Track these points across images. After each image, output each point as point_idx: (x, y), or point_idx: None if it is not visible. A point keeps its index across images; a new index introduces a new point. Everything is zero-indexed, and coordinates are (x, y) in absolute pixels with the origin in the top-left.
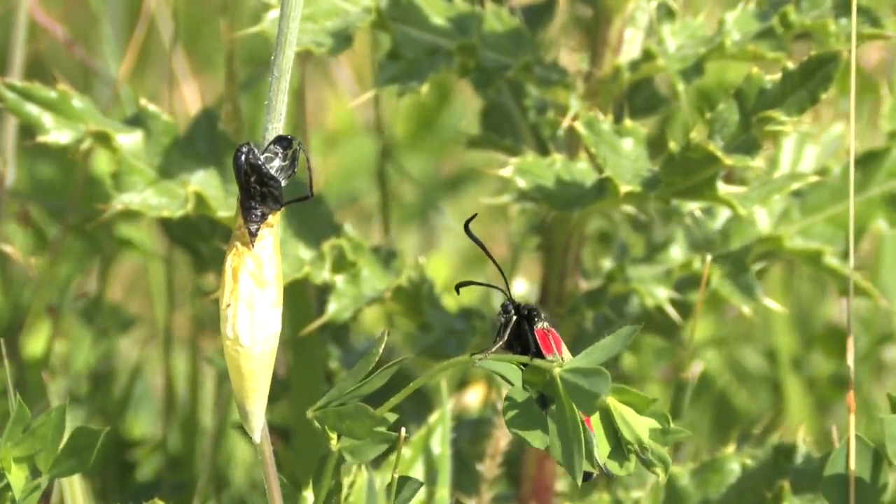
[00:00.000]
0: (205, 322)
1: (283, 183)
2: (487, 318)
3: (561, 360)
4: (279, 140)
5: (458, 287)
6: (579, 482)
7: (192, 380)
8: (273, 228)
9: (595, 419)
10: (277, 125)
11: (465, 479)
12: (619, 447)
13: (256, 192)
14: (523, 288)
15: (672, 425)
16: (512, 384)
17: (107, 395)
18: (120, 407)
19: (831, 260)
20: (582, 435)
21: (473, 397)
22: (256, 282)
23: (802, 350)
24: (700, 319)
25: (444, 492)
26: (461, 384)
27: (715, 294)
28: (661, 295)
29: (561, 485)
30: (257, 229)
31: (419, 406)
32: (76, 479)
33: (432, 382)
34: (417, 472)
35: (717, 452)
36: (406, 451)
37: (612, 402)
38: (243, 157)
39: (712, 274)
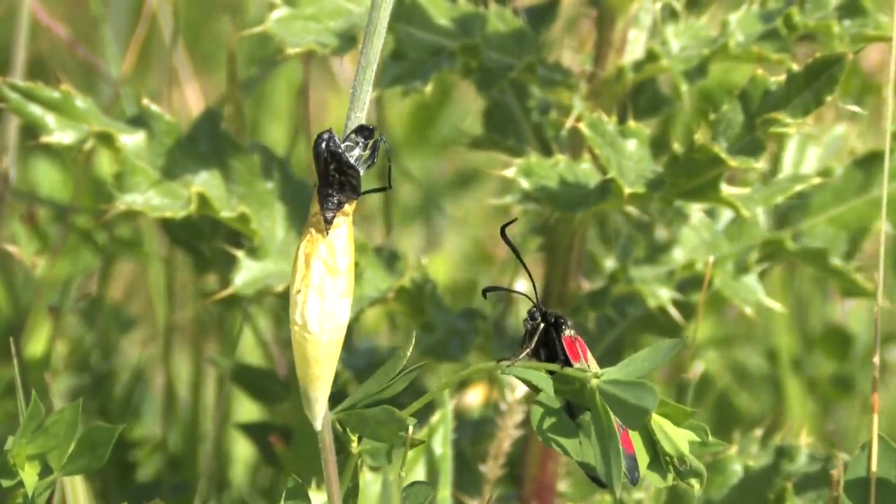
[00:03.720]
0: (206, 323)
1: (363, 173)
2: (490, 319)
3: (587, 368)
4: (360, 129)
5: (485, 292)
6: (618, 493)
7: (193, 380)
8: (349, 217)
9: (633, 432)
10: (360, 114)
11: (466, 479)
12: (658, 459)
13: (335, 179)
14: (524, 288)
15: (711, 438)
16: (541, 391)
17: (107, 395)
18: (121, 407)
19: (834, 261)
20: (619, 444)
21: (474, 398)
22: (328, 269)
23: (803, 350)
24: (701, 320)
25: (445, 492)
26: (462, 384)
27: (717, 295)
28: (664, 295)
29: (563, 485)
30: (333, 217)
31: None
32: (79, 478)
33: (433, 383)
34: (419, 473)
35: (718, 453)
36: (408, 452)
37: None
38: (324, 145)
39: (714, 275)
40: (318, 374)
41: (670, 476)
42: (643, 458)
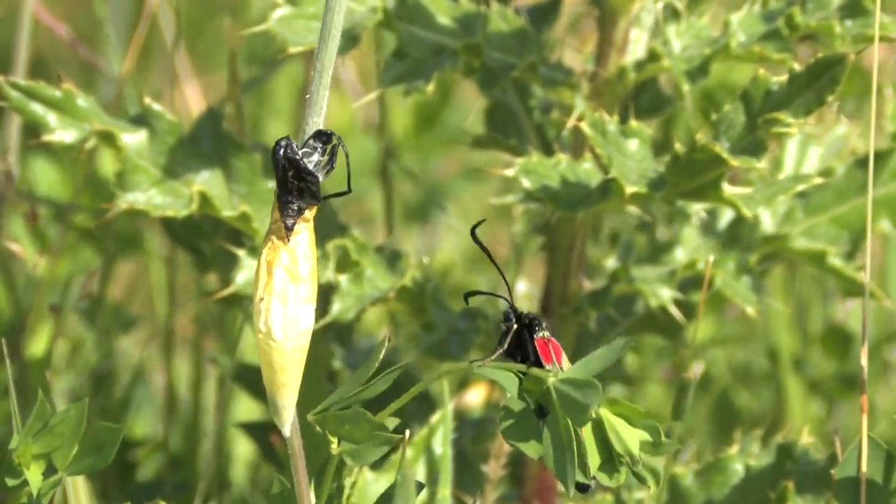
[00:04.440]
0: (206, 322)
1: (322, 178)
2: (491, 318)
3: (559, 370)
4: (319, 135)
5: (466, 296)
6: (571, 493)
7: (194, 380)
8: (309, 223)
9: (587, 430)
10: (318, 119)
11: (466, 479)
12: (611, 459)
13: (294, 186)
14: (525, 288)
15: (665, 439)
16: (509, 393)
17: (108, 395)
18: (121, 407)
19: (835, 260)
20: (575, 446)
21: (475, 397)
22: (290, 276)
23: (804, 350)
24: (702, 319)
25: (445, 492)
26: (462, 384)
27: (718, 294)
28: (665, 295)
29: None
30: (293, 224)
31: (421, 406)
32: (80, 478)
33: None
34: (419, 473)
35: (720, 453)
36: (408, 452)
37: (604, 413)
38: (281, 152)
39: (716, 274)
40: (283, 381)
41: (619, 476)
42: (594, 459)
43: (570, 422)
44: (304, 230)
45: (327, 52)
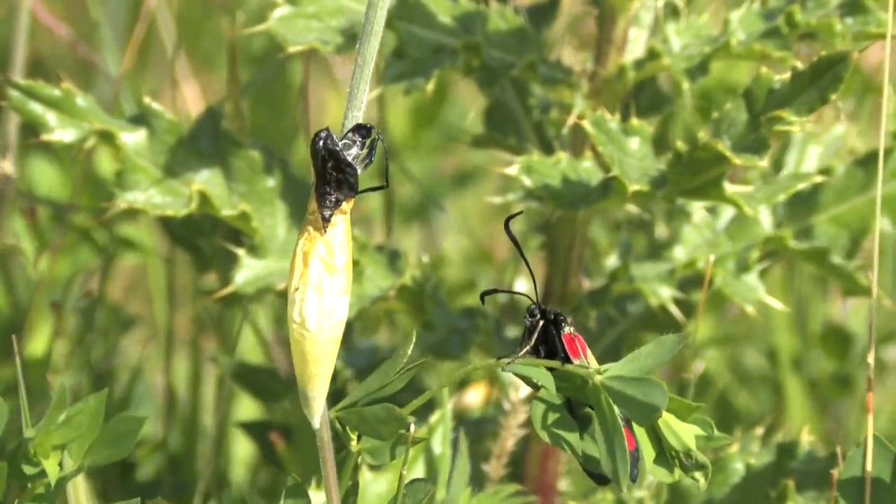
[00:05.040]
0: (206, 322)
1: (360, 171)
2: (490, 317)
3: (587, 364)
4: (358, 128)
5: (482, 296)
6: (625, 489)
7: (194, 379)
8: (346, 215)
9: (639, 427)
10: (357, 113)
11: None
12: (663, 454)
13: (332, 178)
14: (524, 287)
15: (716, 432)
16: (543, 389)
17: (108, 394)
18: (120, 407)
19: (835, 259)
20: (625, 441)
21: (474, 397)
22: (326, 267)
23: (803, 350)
24: (702, 319)
25: (444, 492)
26: (462, 384)
27: (718, 293)
28: (665, 294)
29: (563, 484)
30: (331, 215)
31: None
32: (80, 477)
33: (434, 382)
34: (418, 472)
35: (720, 452)
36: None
37: None
38: (321, 143)
39: (715, 273)
40: (315, 372)
41: (677, 471)
42: (649, 454)
43: (618, 419)
44: (341, 222)
45: (369, 47)
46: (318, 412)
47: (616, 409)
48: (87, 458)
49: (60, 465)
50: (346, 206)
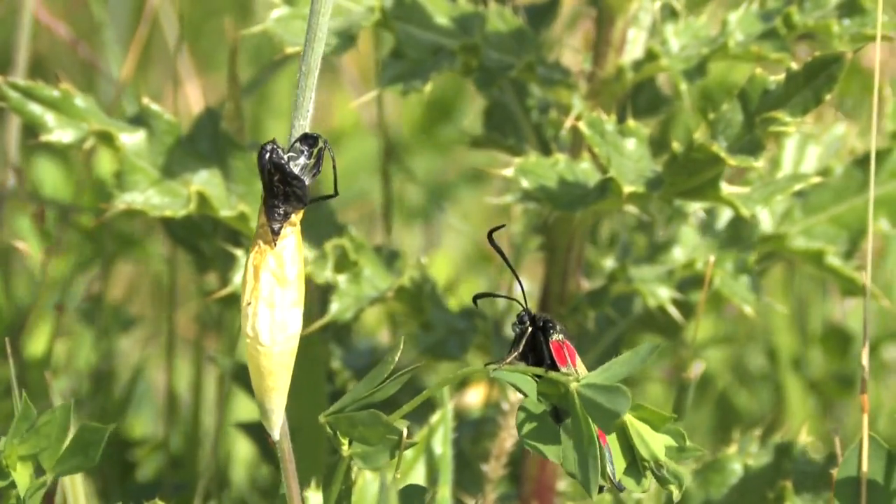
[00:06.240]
0: (206, 322)
1: (308, 182)
2: (489, 318)
3: (576, 372)
4: (305, 138)
5: (475, 299)
6: (594, 497)
7: (194, 379)
8: (296, 227)
9: (611, 435)
10: (304, 122)
11: (466, 478)
12: (635, 463)
13: (280, 190)
14: (524, 288)
15: (688, 443)
16: (526, 395)
17: (108, 394)
18: (121, 407)
19: (833, 260)
20: (597, 450)
21: (474, 397)
22: (278, 280)
23: (803, 350)
24: (701, 319)
25: (445, 492)
26: (462, 384)
27: (717, 294)
28: (664, 295)
29: (562, 484)
30: (280, 228)
31: (420, 406)
32: (79, 478)
33: (433, 382)
34: (419, 473)
35: (718, 452)
36: (408, 452)
37: (628, 418)
38: (267, 156)
39: (714, 274)
40: (272, 386)
41: (646, 481)
42: (620, 463)
43: (591, 426)
44: (291, 234)
45: (313, 55)
46: (277, 424)
47: (586, 415)
48: (58, 468)
49: (34, 474)
50: (295, 218)
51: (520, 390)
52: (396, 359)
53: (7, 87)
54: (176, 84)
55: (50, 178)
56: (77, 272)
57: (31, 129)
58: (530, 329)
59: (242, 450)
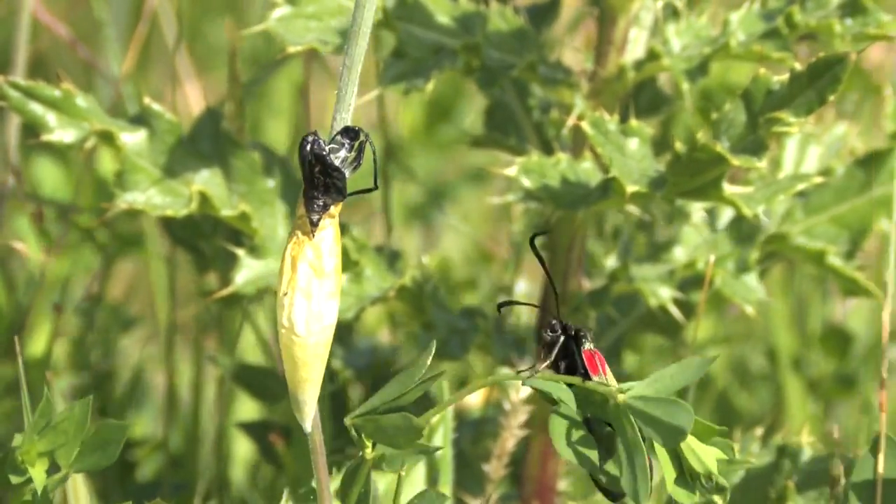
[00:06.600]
0: (206, 322)
1: (348, 175)
2: (490, 318)
3: (606, 381)
4: (346, 131)
5: (499, 307)
6: None
7: (194, 379)
8: (335, 219)
9: (660, 447)
10: (346, 116)
11: (466, 478)
12: (683, 475)
13: (320, 182)
14: (524, 288)
15: (737, 455)
16: (563, 404)
17: (108, 394)
18: (121, 406)
19: (834, 260)
20: (646, 461)
21: (474, 397)
22: (315, 271)
23: (803, 350)
24: (702, 319)
25: (445, 492)
26: (461, 384)
27: (718, 294)
28: (665, 294)
29: (563, 484)
30: (319, 219)
31: (420, 406)
32: (80, 478)
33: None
34: (419, 473)
35: None
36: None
37: None
38: (308, 147)
39: (715, 274)
40: (306, 377)
41: (697, 494)
42: (670, 474)
43: (639, 439)
44: (330, 226)
45: (357, 49)
46: (309, 416)
47: (638, 429)
48: (75, 465)
49: (48, 471)
50: (335, 209)
51: (550, 399)
52: (429, 362)
53: (8, 87)
54: (175, 84)
55: (49, 177)
56: (77, 272)
57: (31, 129)
58: (562, 337)
59: (242, 450)
